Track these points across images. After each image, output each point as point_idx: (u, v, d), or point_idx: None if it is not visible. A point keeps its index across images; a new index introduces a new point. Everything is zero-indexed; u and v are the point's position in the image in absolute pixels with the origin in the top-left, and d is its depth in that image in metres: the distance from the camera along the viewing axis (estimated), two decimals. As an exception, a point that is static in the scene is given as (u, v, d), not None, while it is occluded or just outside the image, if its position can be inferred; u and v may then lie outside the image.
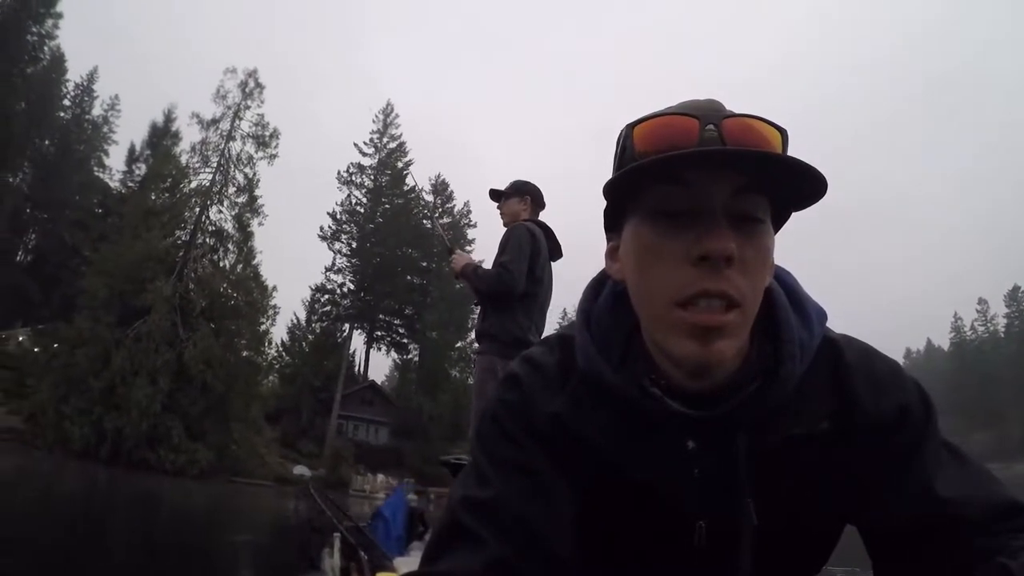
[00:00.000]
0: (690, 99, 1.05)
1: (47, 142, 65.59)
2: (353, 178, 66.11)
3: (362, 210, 65.15)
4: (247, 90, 48.91)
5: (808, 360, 1.05)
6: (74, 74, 69.77)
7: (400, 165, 65.90)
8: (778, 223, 1.05)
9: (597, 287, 1.22)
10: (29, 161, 62.79)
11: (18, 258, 65.86)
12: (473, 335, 5.39)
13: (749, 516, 1.01)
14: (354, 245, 64.35)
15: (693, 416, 1.01)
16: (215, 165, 47.10)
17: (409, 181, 64.60)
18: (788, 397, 1.02)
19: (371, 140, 67.44)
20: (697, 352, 0.93)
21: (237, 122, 48.18)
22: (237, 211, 46.95)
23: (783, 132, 0.97)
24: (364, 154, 66.78)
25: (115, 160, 76.63)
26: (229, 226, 46.92)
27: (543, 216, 5.39)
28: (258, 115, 48.86)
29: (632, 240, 1.04)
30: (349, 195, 65.81)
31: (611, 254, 1.15)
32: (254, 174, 47.87)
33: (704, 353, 0.93)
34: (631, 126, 1.01)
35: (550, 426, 1.09)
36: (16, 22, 55.05)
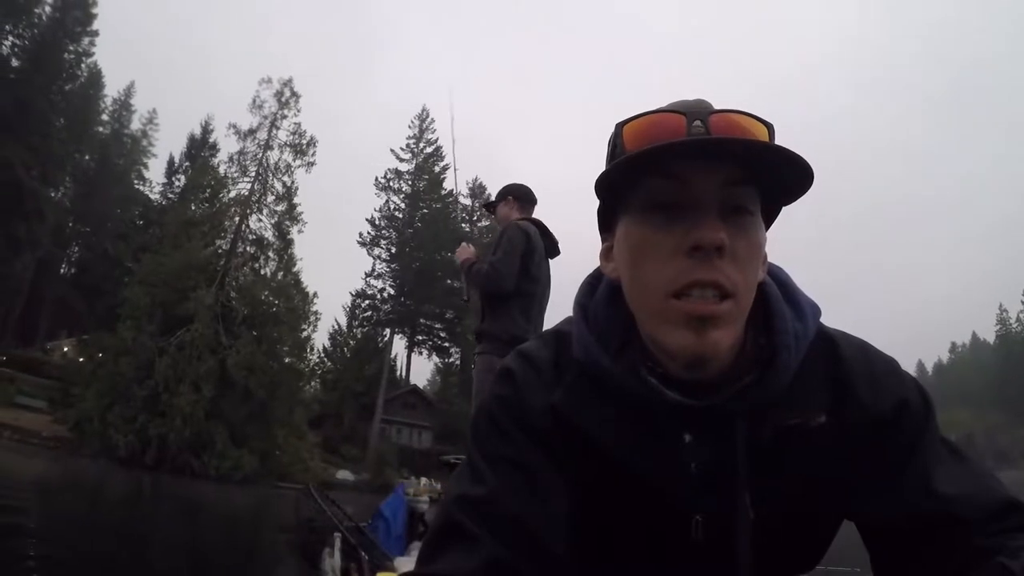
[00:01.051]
0: (679, 99, 1.07)
1: (87, 157, 66.65)
2: (391, 184, 65.92)
3: (400, 215, 64.93)
4: (283, 99, 49.31)
5: (803, 352, 1.06)
6: (111, 90, 70.93)
7: (437, 170, 65.86)
8: (769, 218, 1.08)
9: (593, 282, 1.23)
10: (70, 176, 63.80)
11: (62, 271, 67.15)
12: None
13: (746, 510, 1.02)
14: (393, 250, 64.13)
15: (689, 406, 1.01)
16: (253, 174, 47.52)
17: (447, 184, 64.79)
18: (783, 388, 1.03)
19: (407, 145, 67.34)
20: (692, 342, 0.95)
21: (274, 131, 48.57)
22: (276, 219, 47.37)
23: (769, 126, 0.99)
24: (401, 159, 66.79)
25: (155, 173, 77.66)
26: (269, 234, 47.39)
27: (539, 212, 5.41)
28: (295, 124, 49.20)
29: (625, 237, 1.06)
30: (387, 200, 65.66)
31: (605, 254, 1.18)
32: (292, 182, 48.27)
33: (699, 343, 0.95)
34: (620, 125, 1.04)
35: (545, 420, 1.09)
36: (53, 41, 55.90)
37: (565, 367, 1.15)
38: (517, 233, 4.96)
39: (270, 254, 46.80)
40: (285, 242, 46.99)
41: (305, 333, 46.43)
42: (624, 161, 0.96)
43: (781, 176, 0.96)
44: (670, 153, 0.92)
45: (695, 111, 0.98)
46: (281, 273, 46.45)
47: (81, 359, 44.40)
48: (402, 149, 67.46)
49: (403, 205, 65.65)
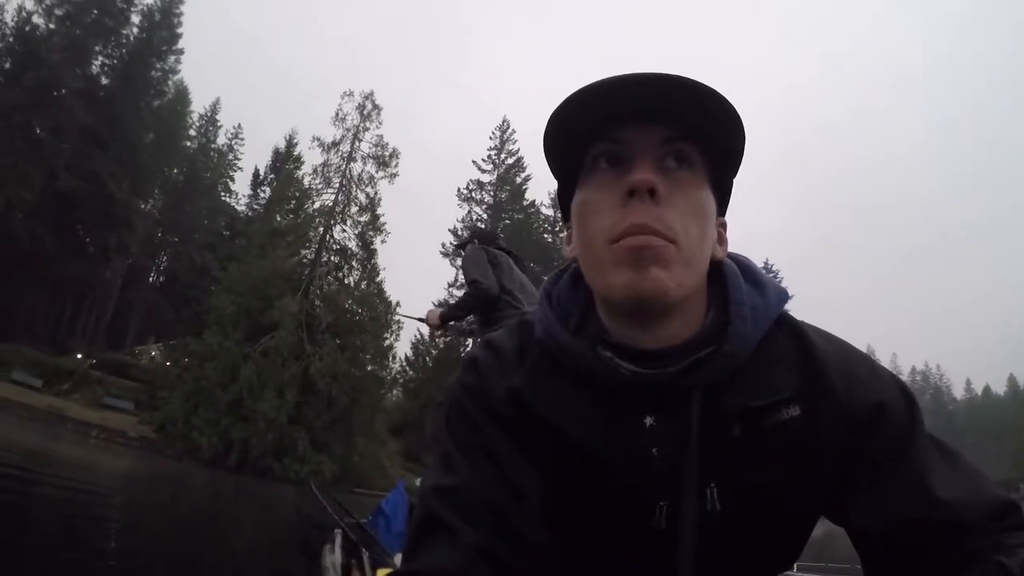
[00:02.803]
0: None
1: (175, 170, 68.98)
2: (473, 195, 66.08)
3: (483, 226, 63.56)
4: (365, 112, 49.74)
5: (764, 325, 1.07)
6: (198, 106, 72.91)
7: (518, 180, 65.94)
8: (721, 190, 1.10)
9: (560, 273, 1.25)
10: (159, 189, 66.01)
11: (151, 279, 68.92)
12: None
13: (710, 499, 1.01)
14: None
15: (644, 380, 1.02)
16: (337, 186, 47.95)
17: (529, 195, 64.27)
18: (744, 364, 1.03)
19: (489, 157, 67.54)
20: (633, 279, 0.96)
21: (357, 143, 48.91)
22: (360, 230, 47.75)
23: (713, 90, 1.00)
24: (483, 170, 66.83)
25: (240, 185, 79.58)
26: (353, 244, 47.77)
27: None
28: (377, 136, 49.62)
29: (576, 207, 1.08)
30: (469, 211, 65.75)
31: (568, 239, 1.18)
32: (375, 193, 48.54)
33: (640, 278, 0.96)
34: (556, 108, 1.04)
35: (507, 405, 1.09)
36: (141, 59, 57.78)
37: (527, 353, 1.15)
38: (472, 248, 5.13)
39: (354, 264, 47.18)
40: (368, 252, 47.32)
41: (387, 342, 46.38)
42: (557, 115, 1.00)
43: (718, 134, 1.00)
44: (595, 93, 0.96)
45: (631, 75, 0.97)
46: (365, 282, 46.69)
47: (168, 363, 45.17)
48: (483, 160, 67.76)
49: (485, 216, 65.48)
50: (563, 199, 1.17)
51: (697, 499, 1.00)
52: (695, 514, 0.99)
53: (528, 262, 5.66)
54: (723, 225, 1.14)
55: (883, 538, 1.02)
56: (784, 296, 1.13)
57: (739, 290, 1.08)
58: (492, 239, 5.54)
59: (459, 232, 65.05)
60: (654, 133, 0.99)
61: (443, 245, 64.96)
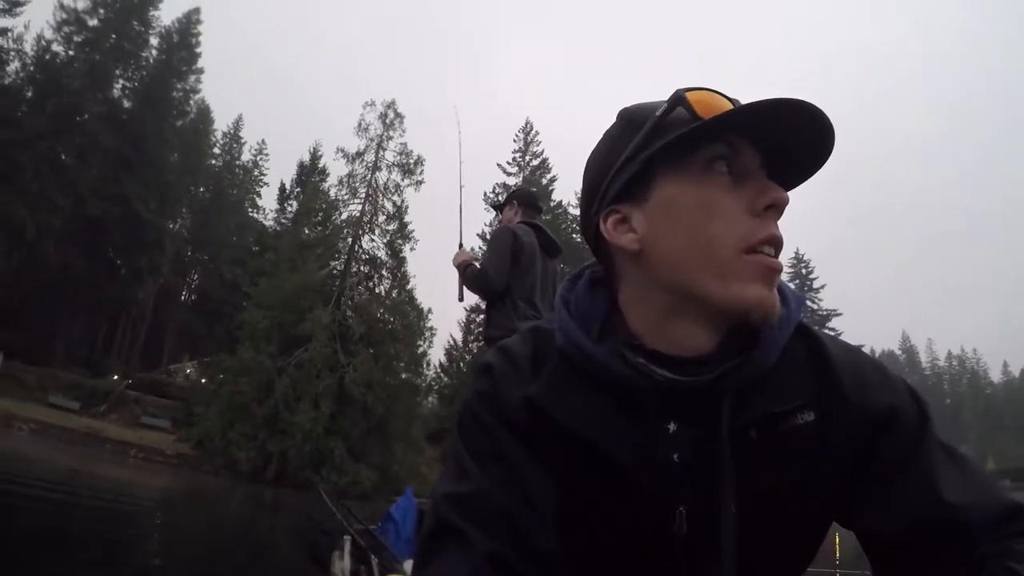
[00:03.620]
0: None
1: (202, 189, 69.73)
2: (499, 198, 64.88)
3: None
4: (387, 121, 49.42)
5: (787, 332, 1.07)
6: (221, 123, 73.79)
7: (544, 182, 65.00)
8: None
9: (574, 278, 1.24)
10: (186, 208, 66.74)
11: (183, 297, 69.78)
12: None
13: (729, 503, 1.01)
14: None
15: (676, 386, 1.02)
16: (363, 196, 47.62)
17: (555, 196, 63.58)
18: (767, 370, 1.04)
19: (514, 159, 66.95)
20: (767, 295, 0.98)
21: (381, 153, 48.58)
22: (388, 238, 47.43)
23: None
24: (508, 173, 66.01)
25: (267, 200, 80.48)
26: (382, 253, 47.45)
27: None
28: (400, 144, 49.23)
29: (676, 200, 1.05)
30: (497, 215, 64.66)
31: (618, 224, 1.12)
32: (402, 201, 48.21)
33: (772, 296, 0.99)
34: (683, 91, 1.06)
35: (523, 413, 1.08)
36: (161, 81, 58.65)
37: (543, 361, 1.13)
38: (504, 234, 4.99)
39: (383, 272, 47.01)
40: (398, 260, 47.12)
41: (421, 349, 46.20)
42: (724, 117, 0.99)
43: (801, 162, 1.06)
44: (762, 115, 0.98)
45: (733, 100, 1.04)
46: (395, 291, 46.55)
47: (203, 380, 45.65)
48: (508, 163, 67.09)
49: (513, 218, 64.56)
50: (635, 180, 1.08)
51: (715, 503, 1.00)
52: (729, 518, 1.00)
53: (561, 264, 5.52)
54: None
55: (892, 541, 1.02)
56: (802, 302, 1.13)
57: None
58: (532, 202, 5.50)
59: (486, 237, 64.62)
60: (758, 155, 1.03)
61: (471, 250, 63.97)
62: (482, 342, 5.03)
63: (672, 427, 1.02)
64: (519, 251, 4.91)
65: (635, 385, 1.02)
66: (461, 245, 5.52)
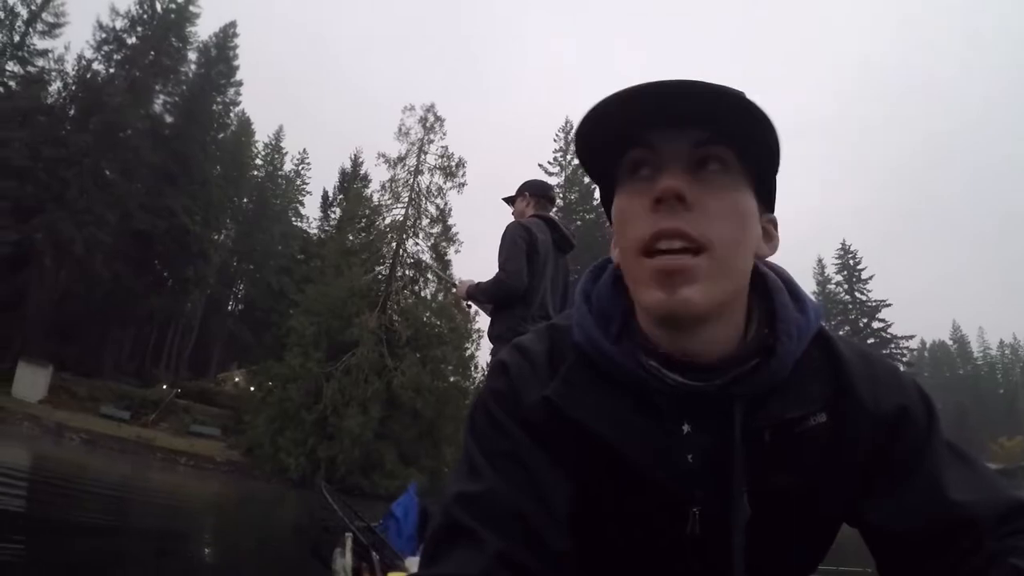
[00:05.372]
0: None
1: (245, 200, 70.23)
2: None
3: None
4: (427, 125, 49.40)
5: (804, 343, 1.07)
6: (262, 135, 74.46)
7: (587, 180, 64.11)
8: (766, 188, 1.09)
9: (597, 270, 1.23)
10: (231, 218, 67.27)
11: (230, 307, 70.45)
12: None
13: (743, 505, 1.02)
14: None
15: (689, 389, 1.02)
16: (406, 200, 47.57)
17: (597, 195, 63.86)
18: (783, 377, 1.04)
19: (555, 159, 67.33)
20: (662, 299, 0.97)
21: (422, 156, 48.54)
22: (433, 241, 47.39)
23: (739, 92, 1.01)
24: (550, 173, 66.23)
25: (310, 209, 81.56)
26: (426, 257, 47.35)
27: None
28: (442, 147, 49.17)
29: (614, 214, 1.08)
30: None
31: (613, 242, 1.16)
32: (445, 204, 48.23)
33: (669, 300, 0.96)
34: (587, 112, 1.03)
35: (539, 413, 1.07)
36: (201, 95, 59.35)
37: (560, 359, 1.12)
38: (516, 230, 4.79)
39: (429, 276, 46.82)
40: (443, 263, 46.75)
41: (468, 351, 46.13)
42: (583, 129, 1.00)
43: (750, 134, 0.99)
44: (626, 100, 0.95)
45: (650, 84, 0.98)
46: (441, 294, 46.19)
47: (251, 388, 46.04)
48: (550, 163, 67.57)
49: (556, 217, 64.18)
50: (605, 203, 1.14)
51: (728, 506, 1.01)
52: (741, 519, 1.00)
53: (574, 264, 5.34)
54: (772, 222, 1.13)
55: (898, 540, 1.04)
56: (820, 312, 1.13)
57: (786, 308, 1.07)
58: (545, 193, 5.32)
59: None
60: (685, 138, 0.99)
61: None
62: (493, 343, 4.76)
63: (687, 428, 1.03)
64: (533, 249, 4.75)
65: (649, 386, 1.02)
66: (453, 284, 5.45)
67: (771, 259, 1.15)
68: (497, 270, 4.75)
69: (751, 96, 0.95)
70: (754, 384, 1.01)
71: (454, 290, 5.20)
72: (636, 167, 1.02)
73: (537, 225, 4.90)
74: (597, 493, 1.05)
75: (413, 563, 5.75)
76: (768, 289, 1.10)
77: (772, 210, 1.12)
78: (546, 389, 1.07)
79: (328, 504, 8.70)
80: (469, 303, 5.12)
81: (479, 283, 4.94)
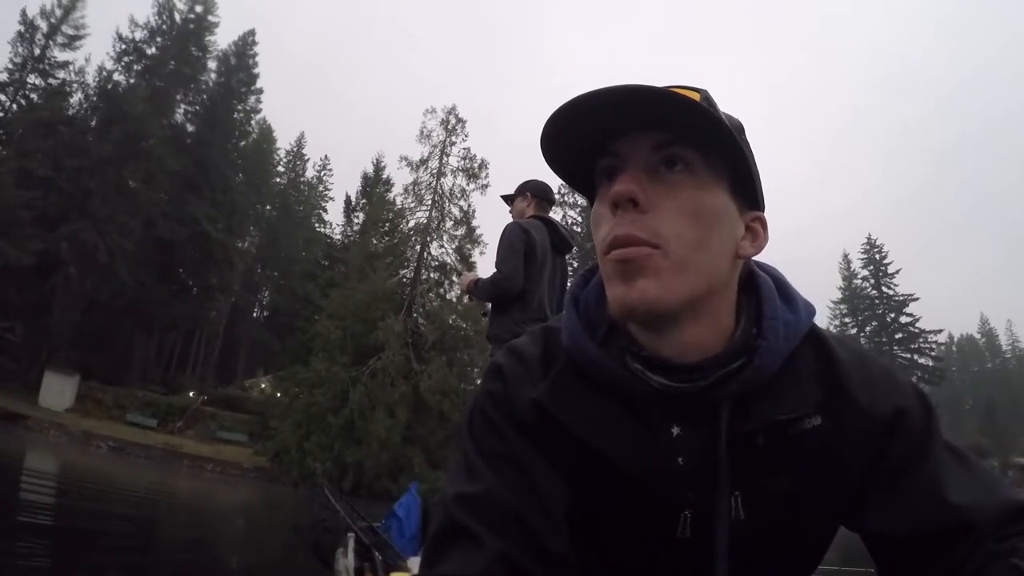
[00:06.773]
0: None
1: (268, 207, 70.52)
2: (565, 198, 64.49)
3: (579, 229, 62.61)
4: (449, 127, 49.38)
5: (794, 341, 1.07)
6: (283, 142, 74.89)
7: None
8: (743, 189, 1.07)
9: (588, 275, 1.23)
10: (254, 226, 67.54)
11: (255, 314, 70.57)
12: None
13: (734, 507, 1.03)
14: (575, 264, 62.99)
15: (673, 391, 1.03)
16: (429, 202, 47.49)
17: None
18: (770, 377, 1.04)
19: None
20: (623, 291, 0.97)
21: (445, 159, 48.44)
22: (457, 244, 47.20)
23: (701, 91, 1.03)
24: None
25: (333, 214, 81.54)
26: (451, 259, 47.10)
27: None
28: (464, 149, 49.04)
29: (591, 219, 1.10)
30: (564, 215, 64.73)
31: None
32: (469, 206, 47.99)
33: (626, 291, 0.97)
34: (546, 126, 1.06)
35: (532, 414, 1.07)
36: (222, 103, 59.89)
37: (552, 361, 1.13)
38: (514, 231, 4.81)
39: (453, 278, 46.36)
40: (467, 265, 46.23)
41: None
42: (543, 143, 1.03)
43: (714, 135, 0.99)
44: (583, 110, 0.96)
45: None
46: (467, 296, 46.04)
47: (277, 394, 46.26)
48: (554, 162, 66.98)
49: (580, 218, 64.59)
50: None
51: (719, 507, 1.01)
52: (724, 522, 1.01)
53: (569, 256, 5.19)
54: (759, 220, 1.11)
55: (898, 543, 1.03)
56: (812, 311, 1.14)
57: (773, 306, 1.07)
58: (545, 194, 5.30)
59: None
60: (644, 141, 0.99)
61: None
62: (491, 343, 4.65)
63: (676, 431, 1.03)
64: (531, 250, 4.77)
65: (636, 389, 1.03)
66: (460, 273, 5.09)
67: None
68: (494, 270, 4.77)
69: (714, 94, 1.01)
70: (740, 384, 1.00)
71: (456, 279, 4.97)
72: (605, 173, 1.03)
73: (535, 226, 4.91)
74: (589, 496, 1.04)
75: (415, 563, 5.73)
76: (757, 287, 1.10)
77: (759, 208, 1.11)
78: (537, 389, 1.07)
79: (330, 504, 8.63)
80: (470, 296, 5.20)
81: (479, 279, 4.98)
